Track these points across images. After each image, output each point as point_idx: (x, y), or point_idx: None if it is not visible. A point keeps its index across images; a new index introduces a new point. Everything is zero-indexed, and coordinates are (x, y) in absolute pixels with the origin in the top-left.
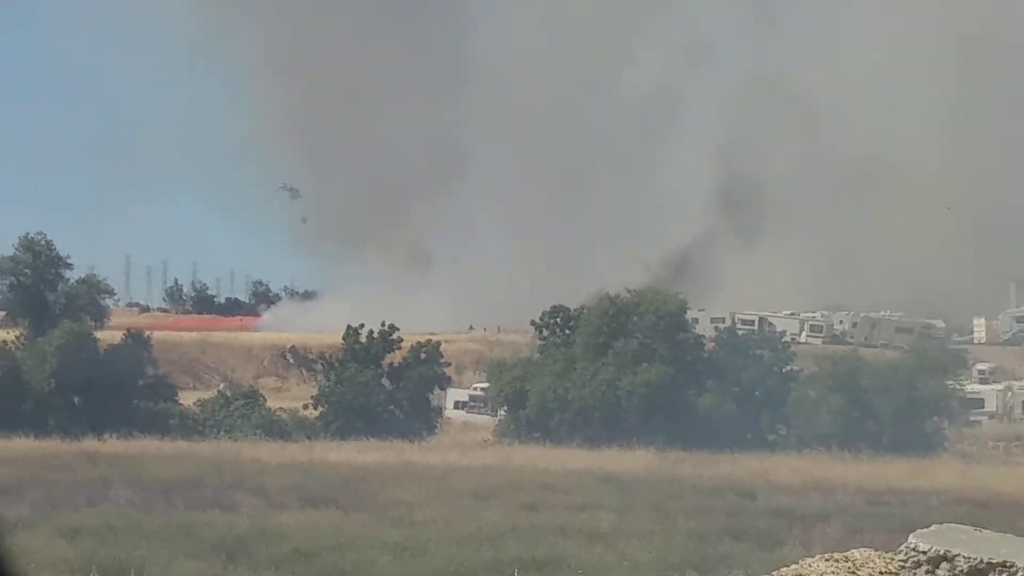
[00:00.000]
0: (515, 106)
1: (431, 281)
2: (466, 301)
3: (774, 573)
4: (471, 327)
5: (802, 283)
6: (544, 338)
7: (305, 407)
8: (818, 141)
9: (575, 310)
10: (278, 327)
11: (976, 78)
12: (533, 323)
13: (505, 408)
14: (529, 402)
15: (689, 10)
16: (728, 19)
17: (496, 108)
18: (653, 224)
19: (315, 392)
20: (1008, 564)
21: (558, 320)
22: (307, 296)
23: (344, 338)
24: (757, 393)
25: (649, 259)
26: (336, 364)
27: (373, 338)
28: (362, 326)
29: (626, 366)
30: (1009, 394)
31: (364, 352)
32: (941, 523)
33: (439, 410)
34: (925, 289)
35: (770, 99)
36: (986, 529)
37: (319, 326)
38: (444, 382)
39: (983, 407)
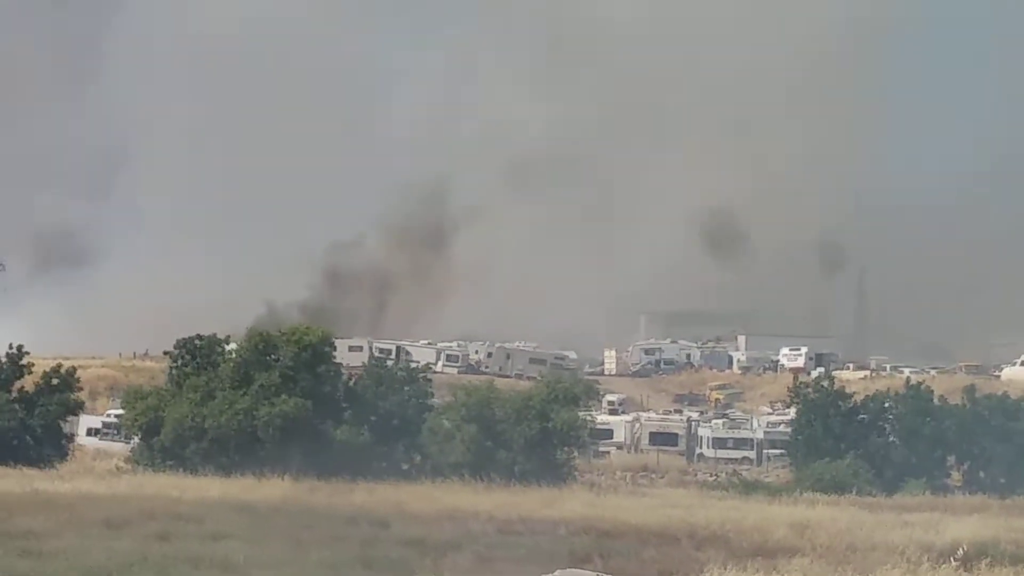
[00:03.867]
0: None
1: (61, 300)
2: (100, 323)
3: None
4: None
5: (438, 312)
6: (177, 367)
7: None
8: None
9: (207, 338)
10: None
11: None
12: (166, 352)
13: (139, 436)
14: (164, 429)
15: None
16: None
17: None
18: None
19: None
20: None
21: (192, 349)
22: None
23: None
24: (395, 422)
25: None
26: None
27: (2, 362)
28: None
29: (266, 397)
30: (637, 425)
31: None
32: (568, 551)
33: (71, 437)
34: (557, 320)
35: None
36: (606, 574)
37: None
38: (78, 408)
39: (612, 438)
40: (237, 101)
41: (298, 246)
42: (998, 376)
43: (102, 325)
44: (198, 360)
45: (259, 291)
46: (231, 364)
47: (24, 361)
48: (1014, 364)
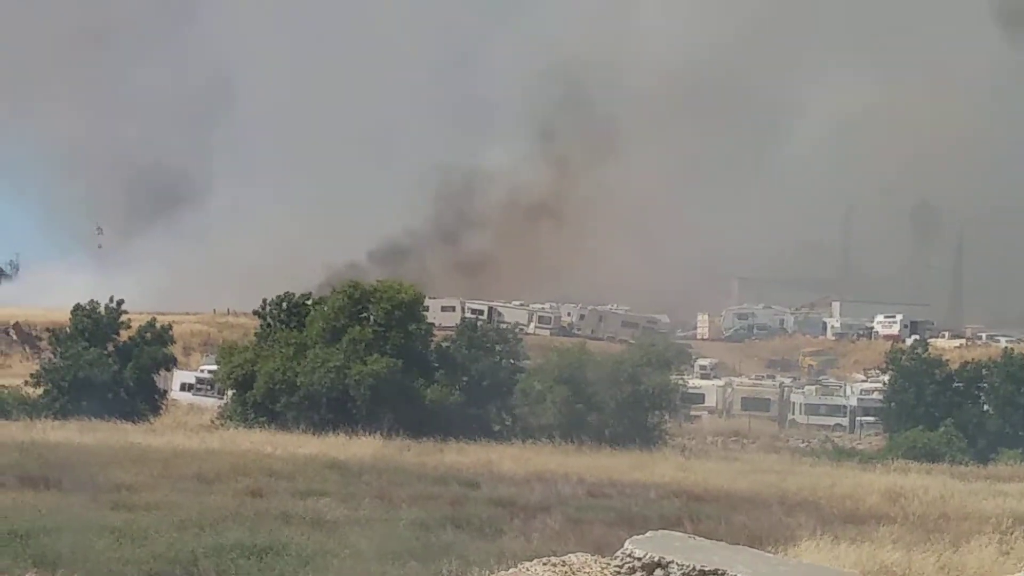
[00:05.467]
0: None
1: (161, 254)
2: (198, 278)
3: None
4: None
5: (535, 273)
6: (268, 325)
7: (26, 384)
8: None
9: (301, 296)
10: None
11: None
12: (255, 312)
13: (232, 391)
14: (256, 383)
15: None
16: None
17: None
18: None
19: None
20: (720, 572)
21: (283, 307)
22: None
23: (72, 314)
24: (486, 383)
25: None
26: (63, 341)
27: (100, 315)
28: (93, 302)
29: (357, 354)
30: (729, 390)
31: (92, 329)
32: (658, 515)
33: (165, 392)
34: (650, 283)
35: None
36: (699, 537)
37: (45, 303)
38: (171, 363)
39: (704, 402)
40: (346, 30)
41: (410, 186)
42: None
43: (200, 280)
44: (289, 315)
45: (362, 237)
46: (324, 317)
47: (122, 315)
48: None
